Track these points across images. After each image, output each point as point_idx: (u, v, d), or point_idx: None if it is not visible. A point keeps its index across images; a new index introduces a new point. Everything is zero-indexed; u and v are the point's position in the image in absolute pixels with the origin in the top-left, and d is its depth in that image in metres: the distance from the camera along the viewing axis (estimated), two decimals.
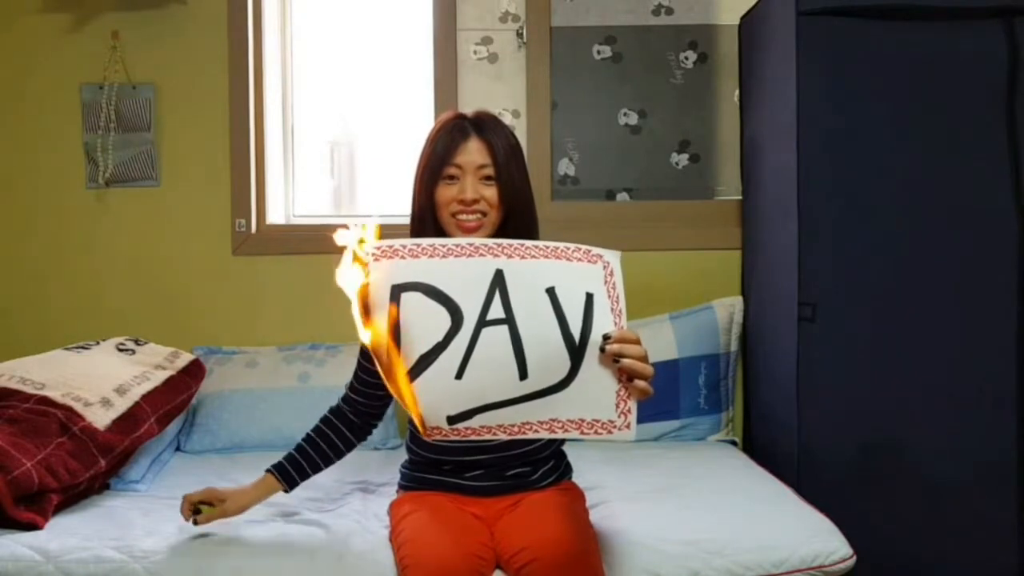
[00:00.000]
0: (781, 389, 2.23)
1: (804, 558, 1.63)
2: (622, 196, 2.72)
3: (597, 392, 1.28)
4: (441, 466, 1.65)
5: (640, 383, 1.29)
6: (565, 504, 1.61)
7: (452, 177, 1.58)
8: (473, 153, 1.57)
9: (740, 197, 2.66)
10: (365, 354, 1.66)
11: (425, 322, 1.24)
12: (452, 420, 1.23)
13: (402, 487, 1.73)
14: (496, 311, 1.26)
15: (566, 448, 1.75)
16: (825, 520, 1.75)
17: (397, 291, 1.25)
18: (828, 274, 2.11)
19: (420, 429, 1.25)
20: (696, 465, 2.18)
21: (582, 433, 1.28)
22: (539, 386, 1.26)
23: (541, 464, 1.66)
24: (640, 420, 2.34)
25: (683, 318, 2.55)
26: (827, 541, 1.67)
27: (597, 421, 1.28)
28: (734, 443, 2.48)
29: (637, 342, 1.29)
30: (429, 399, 1.22)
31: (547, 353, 1.26)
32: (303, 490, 2.03)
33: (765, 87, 2.39)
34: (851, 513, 1.84)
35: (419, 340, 1.23)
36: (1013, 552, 2.10)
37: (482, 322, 1.25)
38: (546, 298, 1.28)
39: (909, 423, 2.09)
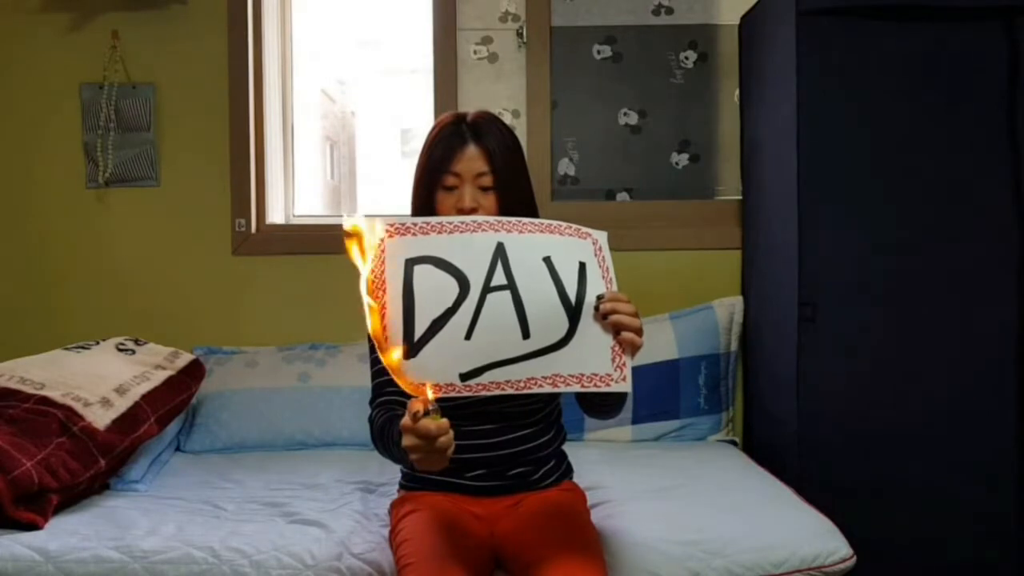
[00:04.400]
0: (781, 389, 2.23)
1: (804, 558, 1.63)
2: (622, 196, 2.72)
3: (594, 348, 1.39)
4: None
5: (628, 335, 1.37)
6: (566, 505, 1.61)
7: (450, 187, 1.57)
8: (470, 161, 1.56)
9: (740, 197, 2.66)
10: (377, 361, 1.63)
11: (436, 290, 1.35)
12: (464, 377, 1.33)
13: (403, 487, 1.73)
14: (499, 278, 1.37)
15: (566, 448, 1.75)
16: (825, 520, 1.75)
17: (410, 264, 1.36)
18: (828, 274, 2.11)
19: (432, 392, 1.30)
20: (696, 465, 2.18)
21: (582, 386, 1.38)
22: (541, 344, 1.36)
23: (542, 464, 1.66)
24: (640, 420, 2.44)
25: (683, 318, 2.55)
26: (827, 541, 1.67)
27: (596, 375, 1.38)
28: (734, 443, 2.48)
29: (628, 302, 1.39)
30: (443, 358, 1.33)
31: (546, 314, 1.37)
32: (304, 489, 2.04)
33: (765, 87, 2.39)
34: (851, 513, 1.84)
35: (431, 306, 1.34)
36: (1013, 552, 2.10)
37: (487, 288, 1.37)
38: (543, 266, 1.40)
39: (909, 423, 2.09)
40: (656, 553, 1.63)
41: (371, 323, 1.26)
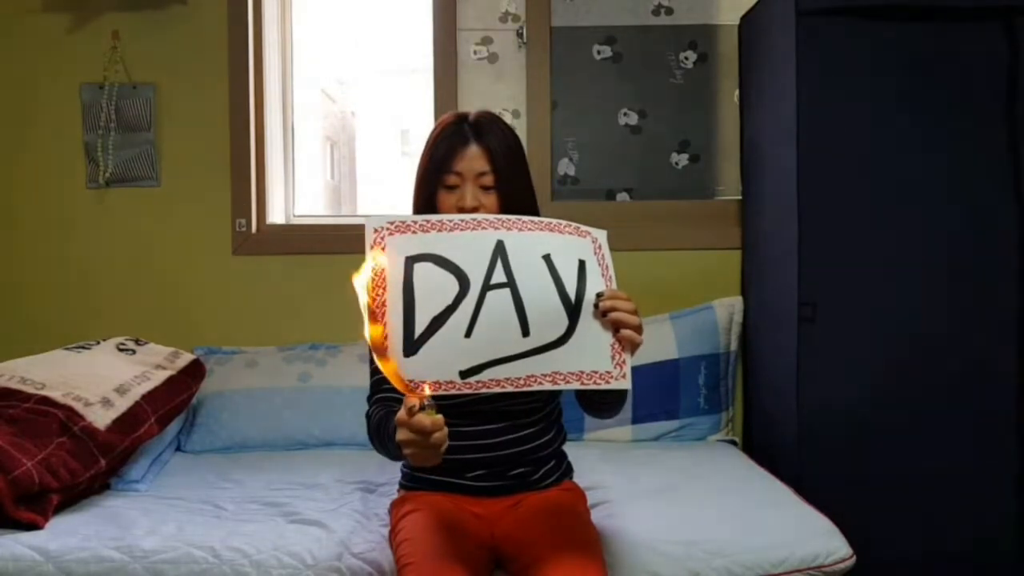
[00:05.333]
0: (781, 389, 2.23)
1: (804, 558, 1.63)
2: (622, 196, 2.72)
3: (594, 346, 1.39)
4: (442, 465, 1.64)
5: (627, 332, 1.38)
6: (566, 505, 1.61)
7: (452, 186, 1.58)
8: (472, 160, 1.57)
9: (740, 197, 2.66)
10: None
11: (436, 288, 1.36)
12: (464, 374, 1.34)
13: (403, 487, 1.73)
14: (499, 276, 1.38)
15: (566, 448, 1.75)
16: (825, 520, 1.75)
17: (410, 262, 1.37)
18: (828, 274, 2.11)
19: (429, 389, 1.31)
20: (696, 465, 2.18)
21: (582, 384, 1.38)
22: (540, 342, 1.37)
23: (542, 464, 1.66)
24: (640, 420, 2.44)
25: (683, 318, 2.55)
26: (827, 541, 1.67)
27: (595, 372, 1.38)
28: (734, 443, 2.48)
29: (627, 299, 1.40)
30: (443, 355, 1.33)
31: (546, 312, 1.38)
32: (304, 489, 2.04)
33: (765, 87, 2.39)
34: (851, 513, 1.84)
35: (431, 304, 1.35)
36: (1013, 552, 2.10)
37: (487, 286, 1.37)
38: (543, 264, 1.40)
39: (909, 423, 2.09)
40: (656, 553, 1.63)
41: (368, 326, 1.26)
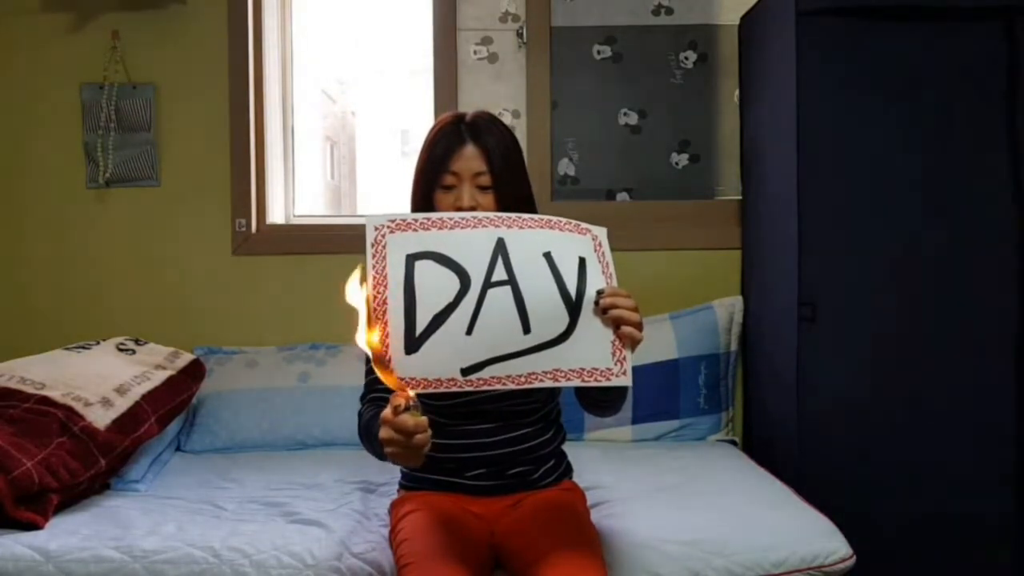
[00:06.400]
0: (781, 389, 2.23)
1: (804, 558, 1.63)
2: (622, 196, 2.72)
3: (594, 343, 1.39)
4: (442, 465, 1.65)
5: (628, 329, 1.38)
6: (566, 504, 1.61)
7: (449, 186, 1.58)
8: (469, 160, 1.58)
9: (740, 197, 2.66)
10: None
11: (437, 285, 1.36)
12: (466, 372, 1.34)
13: (403, 487, 1.73)
14: (499, 274, 1.38)
15: (566, 448, 1.75)
16: (825, 520, 1.75)
17: (411, 259, 1.37)
18: (828, 274, 2.11)
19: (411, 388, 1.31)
20: (696, 465, 2.18)
21: (583, 381, 1.38)
22: (541, 339, 1.37)
23: (542, 463, 1.67)
24: (640, 420, 2.44)
25: (683, 318, 2.55)
26: (827, 541, 1.67)
27: (596, 369, 1.38)
28: (734, 443, 2.48)
29: (628, 296, 1.40)
30: (444, 353, 1.33)
31: (547, 309, 1.38)
32: (304, 489, 2.04)
33: (765, 87, 2.39)
34: (851, 513, 1.84)
35: (432, 301, 1.35)
36: (1015, 553, 2.10)
37: (487, 284, 1.37)
38: (544, 261, 1.41)
39: (909, 423, 2.09)
40: (656, 553, 1.63)
41: (365, 332, 1.26)
